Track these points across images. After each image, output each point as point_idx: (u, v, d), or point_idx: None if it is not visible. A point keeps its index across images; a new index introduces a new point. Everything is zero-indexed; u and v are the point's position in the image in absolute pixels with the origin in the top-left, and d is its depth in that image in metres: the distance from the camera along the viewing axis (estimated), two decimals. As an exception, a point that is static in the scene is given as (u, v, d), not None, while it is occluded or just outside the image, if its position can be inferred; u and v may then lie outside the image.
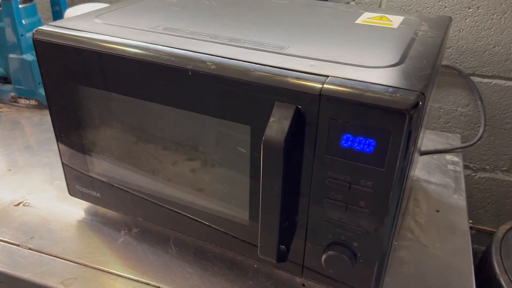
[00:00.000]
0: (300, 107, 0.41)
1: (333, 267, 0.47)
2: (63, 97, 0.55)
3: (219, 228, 0.54)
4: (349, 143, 0.41)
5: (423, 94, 0.38)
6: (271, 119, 0.41)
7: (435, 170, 0.77)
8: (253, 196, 0.49)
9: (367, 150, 0.40)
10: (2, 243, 0.59)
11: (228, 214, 0.52)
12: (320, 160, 0.43)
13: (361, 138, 0.40)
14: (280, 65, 0.42)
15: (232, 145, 0.47)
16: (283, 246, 0.50)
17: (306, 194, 0.45)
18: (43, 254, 0.58)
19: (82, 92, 0.53)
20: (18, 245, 0.59)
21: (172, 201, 0.55)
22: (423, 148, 0.83)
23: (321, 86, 0.39)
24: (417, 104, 0.37)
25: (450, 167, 0.78)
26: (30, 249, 0.59)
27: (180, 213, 0.56)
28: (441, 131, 0.94)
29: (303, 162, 0.44)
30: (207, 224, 0.54)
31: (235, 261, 0.57)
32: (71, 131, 0.57)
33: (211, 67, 0.43)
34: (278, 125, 0.41)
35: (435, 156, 0.82)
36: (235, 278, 0.55)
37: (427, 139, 0.87)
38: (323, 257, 0.47)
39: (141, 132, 0.52)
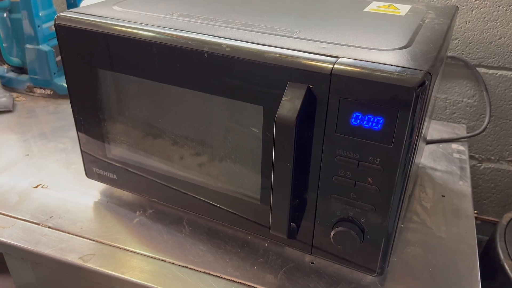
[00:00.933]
0: (311, 86, 0.43)
1: (341, 243, 0.49)
2: (83, 81, 0.57)
3: (231, 210, 0.56)
4: (358, 121, 0.42)
5: (430, 74, 0.40)
6: (284, 98, 0.43)
7: (441, 158, 0.79)
8: (265, 176, 0.51)
9: (376, 127, 0.42)
10: (23, 222, 0.62)
11: (240, 194, 0.54)
12: (330, 138, 0.45)
13: (369, 116, 0.42)
14: (292, 47, 0.44)
15: (245, 125, 0.49)
16: (293, 224, 0.52)
17: (316, 172, 0.47)
18: (62, 232, 0.60)
19: (101, 76, 0.55)
20: (38, 224, 0.62)
21: (186, 183, 0.58)
22: (429, 138, 0.84)
23: (331, 66, 0.41)
24: (424, 82, 0.39)
25: (456, 155, 0.80)
26: (49, 227, 0.61)
27: (194, 196, 0.58)
28: (447, 121, 0.95)
29: (313, 141, 0.46)
30: (219, 206, 0.57)
31: (247, 240, 0.59)
32: (89, 114, 0.60)
33: (226, 49, 0.45)
34: (290, 104, 0.43)
35: (441, 145, 0.83)
36: (247, 256, 0.57)
37: (433, 129, 0.89)
38: (332, 233, 0.49)
39: (157, 114, 0.55)
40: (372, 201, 0.46)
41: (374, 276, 0.52)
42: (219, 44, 0.46)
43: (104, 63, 0.54)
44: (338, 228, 0.49)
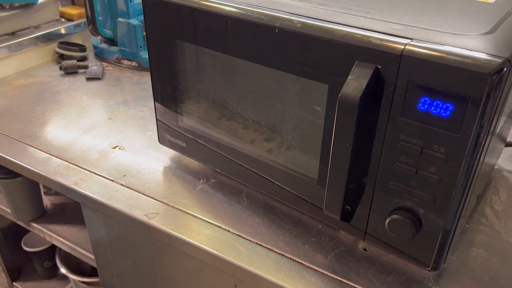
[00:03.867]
0: (380, 67, 0.42)
1: (396, 232, 0.48)
2: (162, 51, 0.61)
3: (289, 188, 0.57)
4: (426, 106, 0.41)
5: (510, 61, 0.37)
6: (350, 77, 0.43)
7: (522, 162, 0.73)
8: (324, 157, 0.51)
9: (444, 114, 0.40)
10: (99, 177, 0.68)
11: (299, 173, 0.55)
12: (394, 122, 0.44)
13: (438, 102, 0.40)
14: (364, 26, 0.44)
15: (309, 103, 0.50)
16: (348, 207, 0.52)
17: (376, 157, 0.47)
18: (132, 190, 0.65)
19: (179, 47, 0.58)
20: (112, 181, 0.67)
21: (248, 157, 0.59)
22: (510, 139, 0.78)
23: (403, 47, 0.40)
24: (501, 69, 0.37)
25: (540, 161, 0.73)
26: (121, 185, 0.66)
27: (254, 171, 0.60)
28: (536, 125, 0.88)
29: (377, 124, 0.45)
30: (278, 184, 0.58)
31: (301, 220, 0.60)
32: (166, 83, 0.63)
33: (297, 25, 0.46)
34: (355, 83, 0.42)
35: (524, 148, 0.77)
36: (299, 233, 0.58)
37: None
38: (387, 220, 0.48)
39: (226, 88, 0.57)
40: (433, 192, 0.44)
41: (428, 270, 0.50)
42: (291, 20, 0.47)
43: (182, 34, 0.57)
44: (394, 216, 0.48)
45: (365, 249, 0.55)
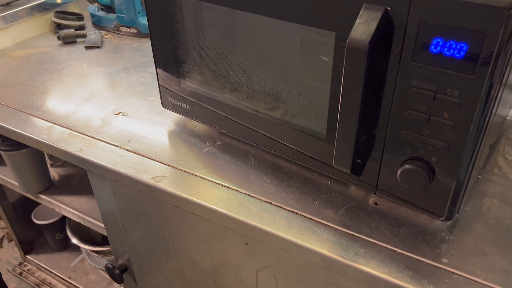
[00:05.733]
0: (389, 9, 0.40)
1: (408, 182, 0.47)
2: (160, 9, 0.59)
3: (297, 148, 0.56)
4: (439, 48, 0.39)
5: (528, -6, 0.35)
6: (358, 21, 0.41)
7: (535, 113, 0.71)
8: (332, 110, 0.50)
9: (458, 55, 0.38)
10: (104, 143, 0.67)
11: (307, 130, 0.53)
12: (405, 67, 0.42)
13: (452, 42, 0.38)
14: (372, -34, 0.41)
15: (316, 54, 0.48)
16: (358, 160, 0.50)
17: (387, 105, 0.45)
18: (137, 155, 0.64)
19: (178, 2, 0.56)
20: (117, 146, 0.66)
21: (254, 115, 0.58)
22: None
23: (413, -15, 0.38)
24: (519, 2, 0.34)
25: (554, 111, 0.71)
26: (127, 150, 0.65)
27: (260, 132, 0.58)
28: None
29: (387, 71, 0.43)
30: (285, 144, 0.57)
31: (310, 177, 0.59)
32: (166, 43, 0.61)
33: (301, -31, 0.44)
34: (364, 27, 0.40)
35: (536, 99, 0.75)
36: (309, 191, 0.57)
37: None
38: (399, 171, 0.47)
39: (229, 43, 0.55)
40: (447, 139, 0.43)
41: (441, 221, 0.49)
42: (294, -35, 0.44)
43: (181, -11, 0.55)
44: (406, 166, 0.46)
45: (376, 203, 0.55)
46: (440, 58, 0.39)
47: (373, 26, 0.40)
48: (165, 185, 0.58)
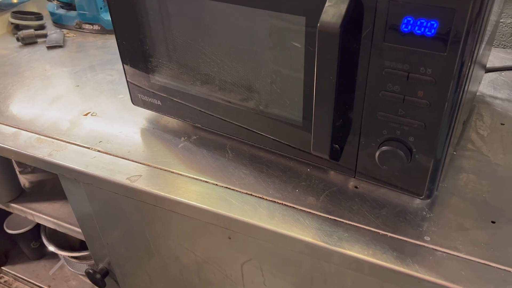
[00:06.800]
0: (358, -11, 0.39)
1: (387, 163, 0.47)
2: (123, 3, 0.56)
3: (273, 137, 0.55)
4: (410, 27, 0.39)
5: (494, -32, 0.35)
6: (327, 3, 0.40)
7: (502, 86, 0.73)
8: (307, 95, 0.49)
9: (429, 33, 0.38)
10: (74, 146, 0.65)
11: (283, 118, 0.53)
12: (377, 48, 0.42)
13: (422, 20, 0.38)
14: None
15: (287, 40, 0.47)
16: (336, 145, 0.50)
17: (361, 88, 0.45)
18: (110, 155, 0.62)
19: (141, -4, 0.54)
20: (88, 148, 0.64)
21: (228, 107, 0.57)
22: (489, 65, 0.78)
23: (381, -36, 0.38)
24: (487, -24, 0.34)
25: (520, 83, 0.73)
26: (98, 151, 0.63)
27: (236, 124, 0.57)
28: (512, 49, 0.87)
29: (360, 53, 0.43)
30: (261, 134, 0.56)
31: (289, 166, 0.58)
32: (131, 38, 0.59)
33: (267, -47, 0.42)
34: (334, 9, 0.40)
35: (503, 73, 0.77)
36: (289, 179, 0.56)
37: (496, 57, 0.81)
38: (377, 153, 0.47)
39: (197, 34, 0.53)
40: (422, 117, 0.43)
41: (421, 199, 0.50)
42: (259, -51, 0.43)
43: (143, -19, 0.53)
44: (384, 148, 0.46)
45: (356, 187, 0.55)
46: (412, 37, 0.39)
47: (343, 8, 0.39)
48: (142, 184, 0.57)
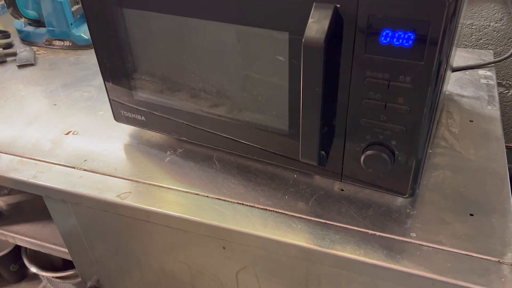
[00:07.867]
0: (338, 6, 0.42)
1: (372, 166, 0.50)
2: (104, 23, 0.57)
3: (260, 146, 0.57)
4: (388, 39, 0.42)
5: (463, -17, 0.38)
6: (310, 20, 0.42)
7: (468, 85, 0.77)
8: (292, 107, 0.51)
9: (406, 44, 0.41)
10: (59, 166, 0.64)
11: (269, 128, 0.55)
12: (359, 60, 0.44)
13: (400, 33, 0.41)
14: (317, -34, 0.43)
15: (271, 54, 0.49)
16: (323, 152, 0.52)
17: (344, 97, 0.47)
18: (97, 174, 0.62)
19: (123, 15, 0.55)
20: (73, 168, 0.64)
21: (213, 119, 0.58)
22: (454, 65, 0.82)
23: (359, -18, 0.40)
24: (457, -9, 0.37)
25: (483, 81, 0.78)
26: (85, 170, 0.63)
27: (222, 135, 0.59)
28: (473, 48, 0.92)
29: (342, 64, 0.45)
30: (248, 143, 0.57)
31: (276, 173, 0.60)
32: (114, 56, 0.60)
33: (249, -27, 0.44)
34: (317, 25, 0.42)
35: (467, 72, 0.81)
36: (277, 186, 0.58)
37: (459, 57, 0.86)
38: (362, 157, 0.50)
39: (179, 51, 0.54)
40: (403, 122, 0.46)
41: (405, 198, 0.52)
42: (241, -31, 0.45)
43: (125, 1, 0.53)
44: (369, 152, 0.49)
45: (342, 190, 0.57)
46: (391, 48, 0.42)
47: (325, 23, 0.41)
48: (132, 201, 0.57)
